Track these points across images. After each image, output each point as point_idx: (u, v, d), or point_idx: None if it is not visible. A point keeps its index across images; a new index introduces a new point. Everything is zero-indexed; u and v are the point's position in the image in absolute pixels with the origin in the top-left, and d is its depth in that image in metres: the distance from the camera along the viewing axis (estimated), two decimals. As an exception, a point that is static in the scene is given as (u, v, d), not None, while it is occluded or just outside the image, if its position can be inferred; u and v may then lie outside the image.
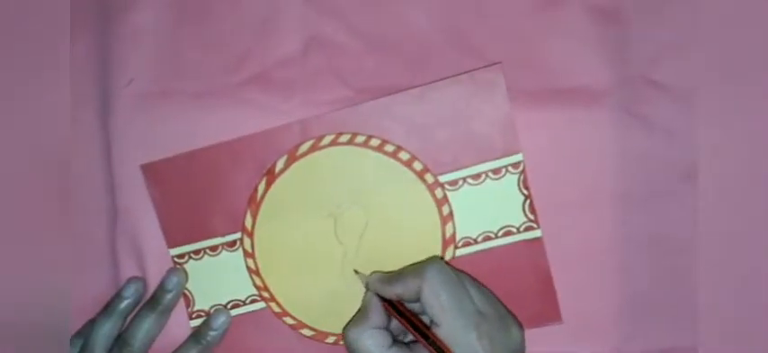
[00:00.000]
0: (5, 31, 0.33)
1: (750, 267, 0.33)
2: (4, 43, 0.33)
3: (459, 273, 0.38)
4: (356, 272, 0.42)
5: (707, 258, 0.34)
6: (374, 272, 0.41)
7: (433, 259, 0.38)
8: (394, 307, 0.38)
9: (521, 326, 0.38)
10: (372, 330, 0.37)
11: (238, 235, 0.43)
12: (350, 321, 0.38)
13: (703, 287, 0.34)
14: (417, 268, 0.37)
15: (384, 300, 0.38)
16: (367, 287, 0.40)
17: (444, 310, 0.35)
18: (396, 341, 0.37)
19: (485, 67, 0.41)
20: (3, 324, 0.32)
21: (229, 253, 0.43)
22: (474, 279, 0.39)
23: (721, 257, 0.34)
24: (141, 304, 0.43)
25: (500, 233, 0.42)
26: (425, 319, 0.37)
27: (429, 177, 0.42)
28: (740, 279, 0.34)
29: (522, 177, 0.41)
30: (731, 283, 0.34)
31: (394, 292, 0.38)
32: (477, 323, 0.35)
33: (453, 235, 0.42)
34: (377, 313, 0.38)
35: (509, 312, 0.39)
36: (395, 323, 0.39)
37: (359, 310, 0.39)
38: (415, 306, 0.38)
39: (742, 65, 0.34)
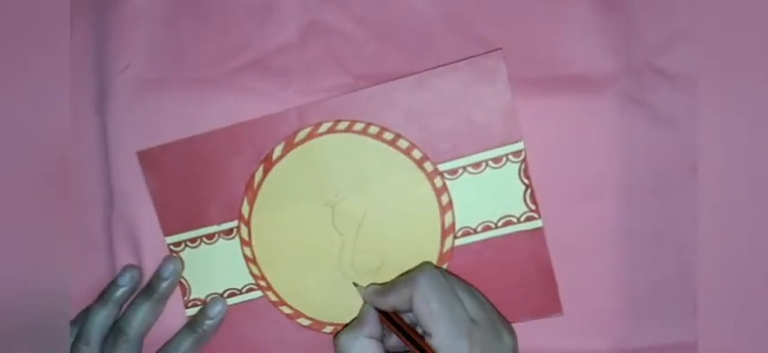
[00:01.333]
0: (5, 21, 0.33)
1: (752, 263, 0.33)
2: (3, 34, 0.33)
3: (451, 278, 0.37)
4: (355, 285, 0.41)
5: (709, 254, 0.33)
6: (371, 284, 0.40)
7: (424, 266, 0.37)
8: (390, 319, 0.37)
9: (513, 332, 0.37)
10: (364, 339, 0.36)
11: (235, 223, 0.43)
12: (344, 327, 0.38)
13: (705, 283, 0.33)
14: (409, 277, 0.36)
15: (381, 312, 0.38)
16: (364, 299, 0.40)
17: (435, 318, 0.35)
18: None
19: (485, 53, 0.40)
20: (2, 316, 0.31)
21: (226, 241, 0.43)
22: (467, 284, 0.38)
23: (723, 252, 0.33)
24: (137, 292, 0.43)
25: (500, 223, 0.41)
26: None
27: (428, 166, 0.41)
28: (742, 275, 0.33)
29: (523, 166, 0.40)
30: (733, 279, 0.33)
31: (388, 303, 0.37)
32: (469, 331, 0.34)
33: (453, 225, 0.41)
34: (372, 323, 0.37)
35: (501, 317, 0.38)
36: (394, 339, 0.38)
37: (355, 318, 0.39)
38: (411, 316, 0.37)
39: (748, 53, 0.33)
